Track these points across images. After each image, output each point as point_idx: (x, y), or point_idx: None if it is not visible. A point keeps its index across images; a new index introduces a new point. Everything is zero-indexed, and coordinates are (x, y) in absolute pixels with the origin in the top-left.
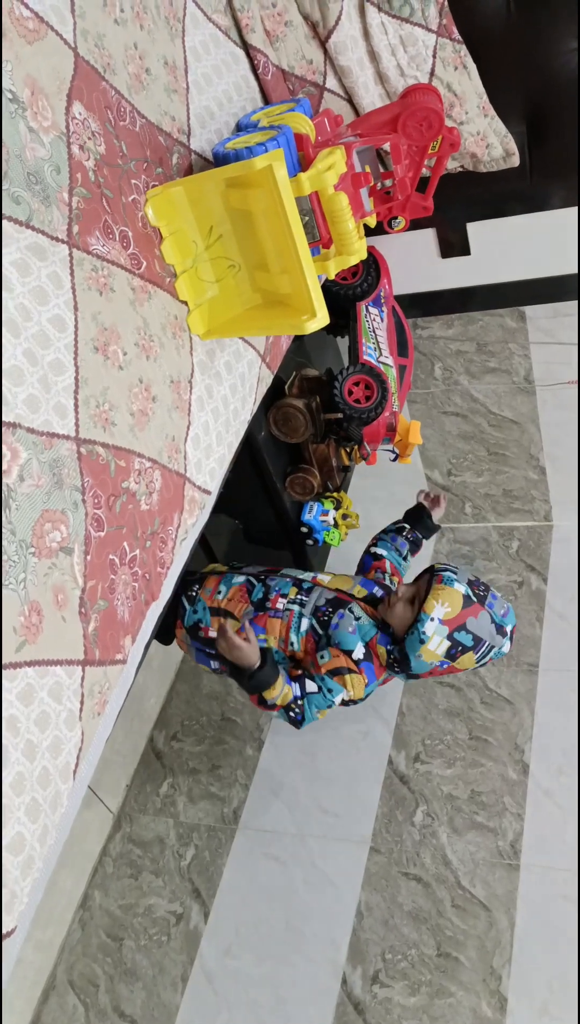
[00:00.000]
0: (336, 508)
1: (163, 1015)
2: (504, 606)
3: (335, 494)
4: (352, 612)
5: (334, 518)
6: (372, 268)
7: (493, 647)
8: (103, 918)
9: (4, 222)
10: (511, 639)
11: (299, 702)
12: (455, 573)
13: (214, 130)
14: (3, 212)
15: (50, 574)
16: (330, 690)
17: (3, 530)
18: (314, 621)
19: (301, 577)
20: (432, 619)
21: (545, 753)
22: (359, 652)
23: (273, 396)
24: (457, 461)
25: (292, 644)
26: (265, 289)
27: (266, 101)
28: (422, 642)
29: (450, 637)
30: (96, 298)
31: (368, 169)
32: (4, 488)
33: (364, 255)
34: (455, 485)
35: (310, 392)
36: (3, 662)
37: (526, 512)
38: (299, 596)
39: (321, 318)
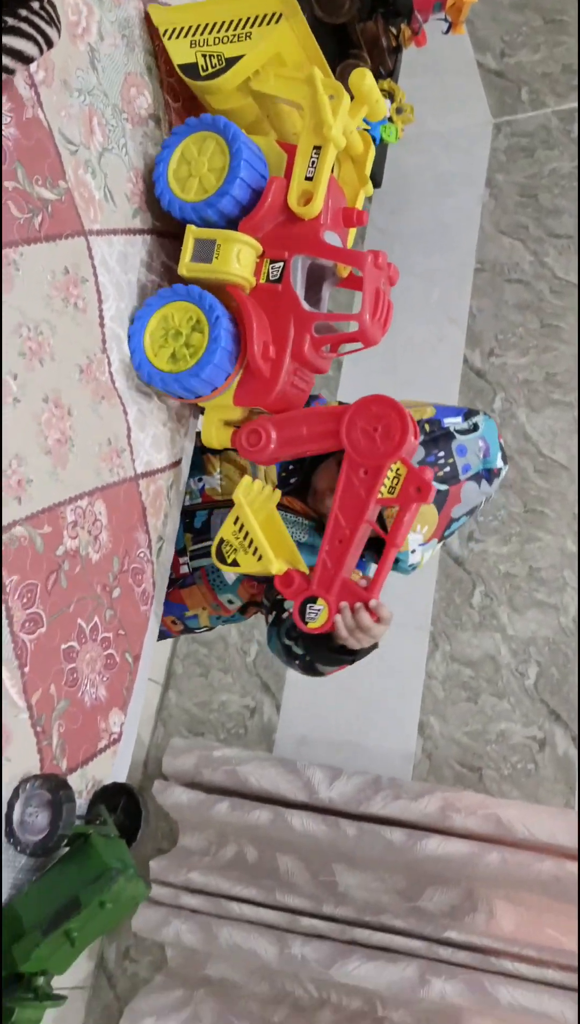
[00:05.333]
0: (391, 100)
1: None
2: (479, 444)
3: (387, 85)
4: None
5: (389, 111)
6: None
7: (489, 497)
8: (182, 716)
9: None
10: (504, 459)
11: None
12: None
13: None
14: None
15: None
16: None
17: None
18: None
19: (190, 504)
20: (414, 550)
21: None
22: None
23: None
24: (511, 38)
25: (230, 603)
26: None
27: None
28: (414, 567)
29: (441, 538)
30: None
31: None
32: None
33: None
34: (509, 68)
35: None
36: (122, 228)
37: None
38: (199, 543)
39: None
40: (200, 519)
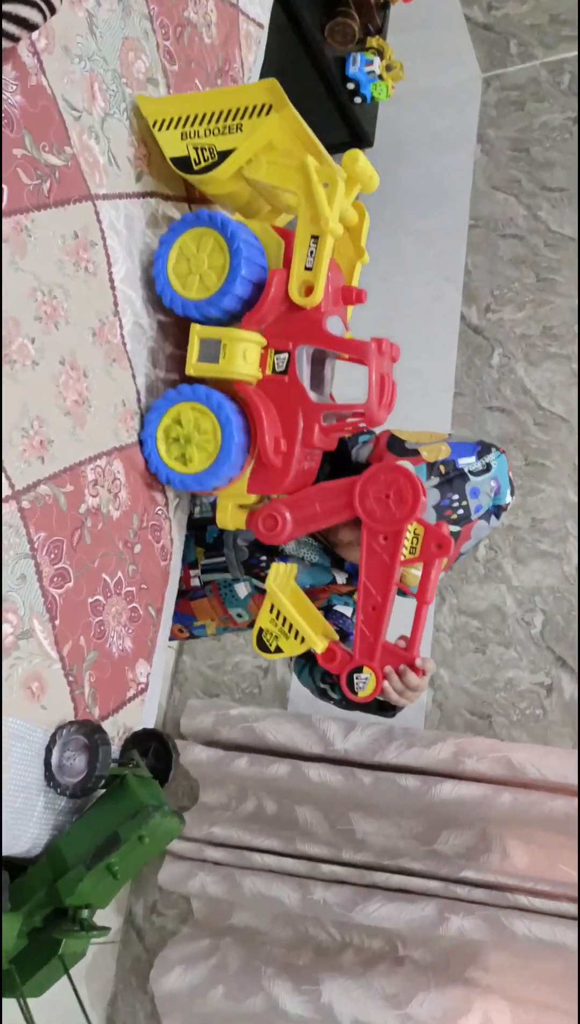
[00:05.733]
0: (380, 57)
1: None
2: (491, 484)
3: (376, 43)
4: (289, 557)
5: (379, 68)
6: None
7: (495, 527)
8: (197, 678)
9: None
10: (511, 492)
11: None
12: None
13: None
14: None
15: None
16: None
17: None
18: (254, 581)
19: (200, 517)
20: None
21: None
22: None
23: None
24: None
25: (239, 616)
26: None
27: None
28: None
29: (448, 569)
30: None
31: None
32: None
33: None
34: (497, 21)
35: None
36: (127, 191)
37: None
38: (211, 557)
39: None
40: (212, 534)
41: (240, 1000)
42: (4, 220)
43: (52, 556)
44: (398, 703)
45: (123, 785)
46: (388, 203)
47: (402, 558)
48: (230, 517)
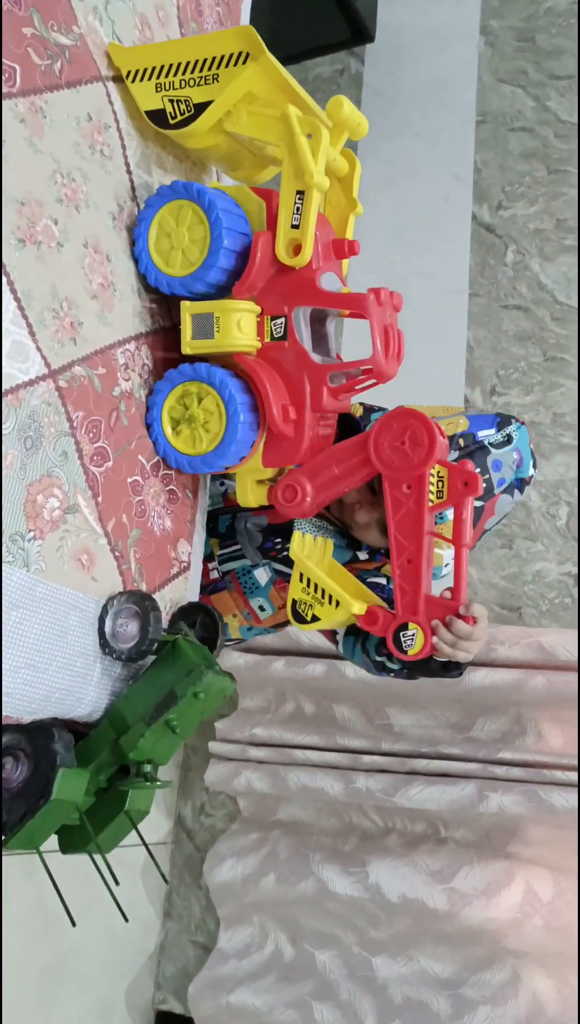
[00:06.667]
0: None
1: None
2: (513, 457)
3: None
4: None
5: None
6: None
7: (517, 502)
8: None
9: None
10: (534, 465)
11: None
12: None
13: None
14: None
15: None
16: None
17: None
18: (274, 565)
19: (211, 508)
20: (447, 563)
21: None
22: None
23: None
24: None
25: (261, 609)
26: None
27: None
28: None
29: (471, 547)
30: None
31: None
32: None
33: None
34: None
35: None
36: None
37: None
38: (226, 547)
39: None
40: (224, 523)
41: (292, 884)
42: (20, 101)
43: (91, 435)
44: (454, 657)
45: (175, 648)
46: (393, 104)
47: (430, 504)
48: (251, 494)
